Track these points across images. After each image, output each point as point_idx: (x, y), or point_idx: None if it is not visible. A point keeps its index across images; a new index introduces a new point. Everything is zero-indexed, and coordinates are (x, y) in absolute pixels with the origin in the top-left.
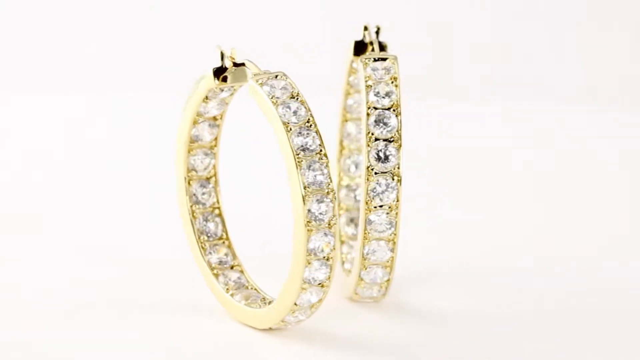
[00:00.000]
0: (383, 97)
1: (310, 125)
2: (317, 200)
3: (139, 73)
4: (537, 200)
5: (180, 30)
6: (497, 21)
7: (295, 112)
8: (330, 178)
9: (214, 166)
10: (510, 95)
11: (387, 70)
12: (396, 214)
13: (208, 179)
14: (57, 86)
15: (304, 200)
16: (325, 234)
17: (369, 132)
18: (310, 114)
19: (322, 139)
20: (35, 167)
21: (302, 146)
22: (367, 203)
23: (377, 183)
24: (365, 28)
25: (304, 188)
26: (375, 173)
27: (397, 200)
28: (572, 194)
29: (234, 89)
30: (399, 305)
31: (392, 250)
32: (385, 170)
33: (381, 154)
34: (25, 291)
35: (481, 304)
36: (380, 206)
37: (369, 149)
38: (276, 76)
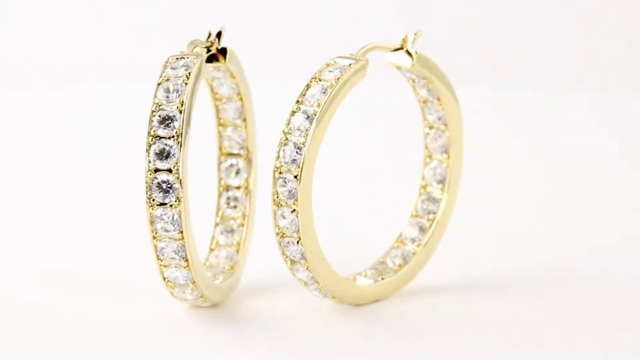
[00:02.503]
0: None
1: (178, 109)
2: (162, 180)
3: (137, 67)
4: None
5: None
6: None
7: (175, 91)
8: (177, 164)
9: (247, 147)
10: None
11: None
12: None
13: (237, 155)
14: (53, 83)
15: (145, 180)
16: (165, 213)
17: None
18: (183, 100)
19: (186, 125)
20: (30, 164)
21: (159, 128)
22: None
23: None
24: (404, 40)
25: (148, 169)
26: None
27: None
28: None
29: (218, 69)
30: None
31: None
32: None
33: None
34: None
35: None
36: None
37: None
38: (187, 57)
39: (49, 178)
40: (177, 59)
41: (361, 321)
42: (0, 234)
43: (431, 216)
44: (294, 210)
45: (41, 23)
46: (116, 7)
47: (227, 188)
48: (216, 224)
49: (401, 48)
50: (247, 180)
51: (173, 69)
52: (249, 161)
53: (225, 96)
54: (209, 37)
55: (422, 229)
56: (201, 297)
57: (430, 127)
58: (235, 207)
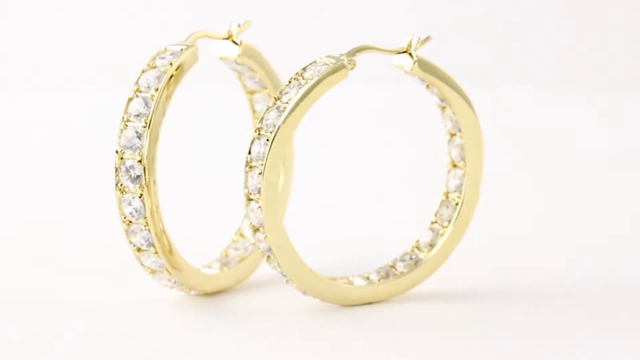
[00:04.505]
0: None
1: (152, 97)
2: (129, 167)
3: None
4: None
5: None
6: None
7: (156, 78)
8: (142, 152)
9: None
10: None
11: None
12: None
13: None
14: (51, 84)
15: (115, 164)
16: (132, 198)
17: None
18: (158, 87)
19: (156, 114)
20: (26, 164)
21: (132, 114)
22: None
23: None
24: (409, 44)
25: (118, 155)
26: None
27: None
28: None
29: (238, 63)
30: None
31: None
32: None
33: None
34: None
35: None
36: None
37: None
38: (177, 47)
39: (47, 178)
40: (169, 49)
41: (353, 319)
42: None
43: (446, 224)
44: (259, 205)
45: (43, 24)
46: (119, 7)
47: None
48: (245, 216)
49: (406, 51)
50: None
51: (162, 58)
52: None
53: (255, 90)
54: (229, 30)
55: (436, 236)
56: (182, 284)
57: (452, 134)
58: None
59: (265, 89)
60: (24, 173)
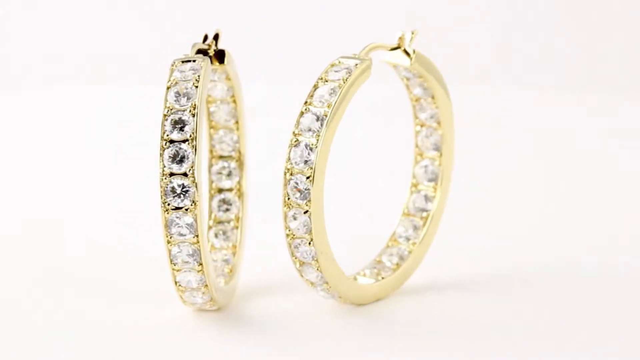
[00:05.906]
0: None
1: (190, 112)
2: (177, 184)
3: (132, 67)
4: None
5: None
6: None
7: (185, 95)
8: (192, 167)
9: (239, 149)
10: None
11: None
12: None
13: (229, 158)
14: (49, 83)
15: (160, 184)
16: (179, 217)
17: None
18: (194, 103)
19: (199, 129)
20: (29, 166)
21: (172, 132)
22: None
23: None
24: (401, 39)
25: (162, 173)
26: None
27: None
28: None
29: (215, 71)
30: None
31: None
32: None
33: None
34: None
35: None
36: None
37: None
38: (194, 60)
39: (51, 180)
40: (182, 62)
41: (363, 320)
42: (6, 237)
43: (424, 214)
44: (307, 211)
45: (39, 23)
46: (112, 7)
47: (219, 191)
48: (209, 227)
49: (398, 47)
50: (239, 182)
51: (181, 72)
52: (241, 163)
53: (219, 98)
54: (205, 40)
55: (415, 228)
56: (211, 300)
57: (422, 125)
58: (227, 209)
59: (232, 96)
60: (24, 173)
